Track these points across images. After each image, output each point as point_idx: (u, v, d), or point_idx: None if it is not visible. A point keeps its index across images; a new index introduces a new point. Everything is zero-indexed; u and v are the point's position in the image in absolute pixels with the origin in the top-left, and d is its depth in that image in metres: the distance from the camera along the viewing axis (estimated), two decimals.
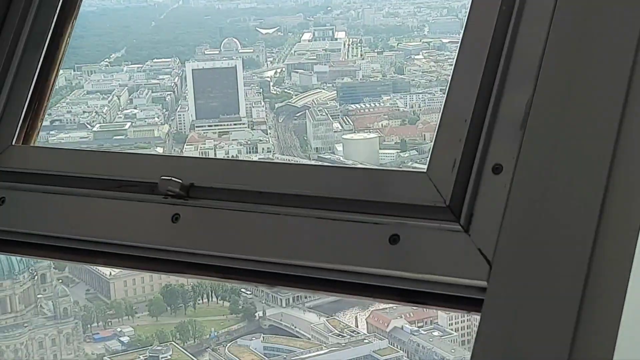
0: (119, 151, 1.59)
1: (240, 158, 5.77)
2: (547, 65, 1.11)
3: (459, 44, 1.19)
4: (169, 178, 1.30)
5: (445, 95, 1.19)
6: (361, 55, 6.68)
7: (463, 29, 1.18)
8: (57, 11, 1.65)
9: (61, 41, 1.66)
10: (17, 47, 1.66)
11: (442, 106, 1.20)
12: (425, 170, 1.16)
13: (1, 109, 1.61)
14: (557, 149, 1.09)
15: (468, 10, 1.14)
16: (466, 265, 1.08)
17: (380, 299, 1.19)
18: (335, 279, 1.16)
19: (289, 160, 5.99)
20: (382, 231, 1.13)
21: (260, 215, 1.23)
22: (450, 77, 1.16)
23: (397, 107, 6.20)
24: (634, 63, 1.09)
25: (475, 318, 1.07)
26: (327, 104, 6.38)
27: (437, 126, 1.20)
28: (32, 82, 1.62)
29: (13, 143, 1.57)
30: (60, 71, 1.54)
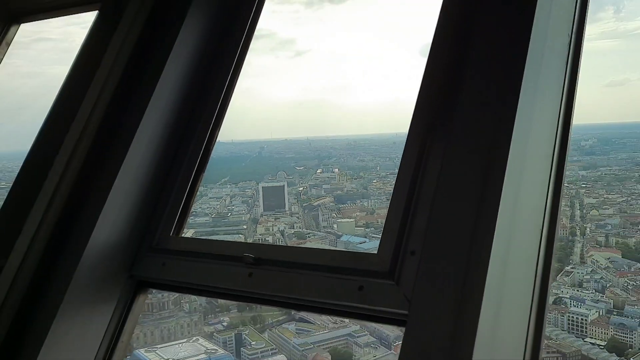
0: (225, 240, 2.01)
1: (286, 235, 9.36)
2: None
3: None
4: (248, 255, 1.87)
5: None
6: (346, 180, 10.33)
7: None
8: (202, 150, 2.21)
9: (203, 169, 2.23)
10: (181, 166, 2.20)
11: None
12: (377, 253, 1.63)
13: (167, 214, 2.19)
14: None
15: None
16: (398, 302, 1.54)
17: (353, 319, 1.66)
18: (330, 307, 1.71)
19: (309, 233, 9.55)
20: (353, 284, 1.64)
21: (292, 273, 1.78)
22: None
23: (364, 206, 9.76)
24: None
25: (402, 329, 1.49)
26: (329, 204, 10.11)
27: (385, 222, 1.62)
28: (184, 195, 2.19)
29: (171, 234, 2.17)
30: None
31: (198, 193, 2.18)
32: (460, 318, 1.39)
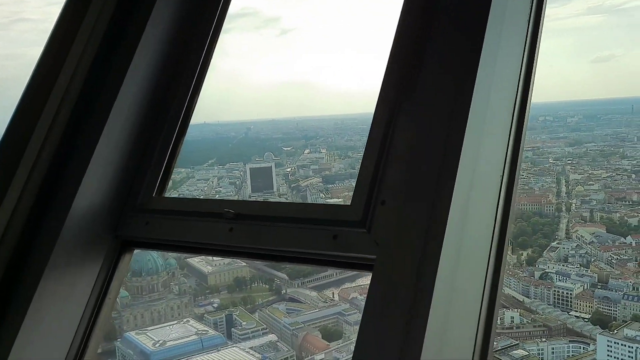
0: (206, 198, 1.94)
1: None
2: None
3: None
4: (228, 210, 1.97)
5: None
6: (334, 160, 11.20)
7: None
8: (182, 113, 2.26)
9: (184, 131, 2.28)
10: (162, 130, 2.25)
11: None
12: (350, 204, 1.74)
13: (149, 175, 2.24)
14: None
15: None
16: (369, 247, 1.66)
17: (328, 266, 1.81)
18: (307, 257, 1.83)
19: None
20: (328, 234, 1.75)
21: (271, 226, 1.88)
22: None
23: (353, 186, 10.67)
24: None
25: None
26: (317, 185, 11.23)
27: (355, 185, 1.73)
28: (166, 156, 2.25)
29: (154, 195, 2.25)
30: (182, 168, 2.28)
31: (185, 175, 2.17)
32: (424, 257, 1.48)
